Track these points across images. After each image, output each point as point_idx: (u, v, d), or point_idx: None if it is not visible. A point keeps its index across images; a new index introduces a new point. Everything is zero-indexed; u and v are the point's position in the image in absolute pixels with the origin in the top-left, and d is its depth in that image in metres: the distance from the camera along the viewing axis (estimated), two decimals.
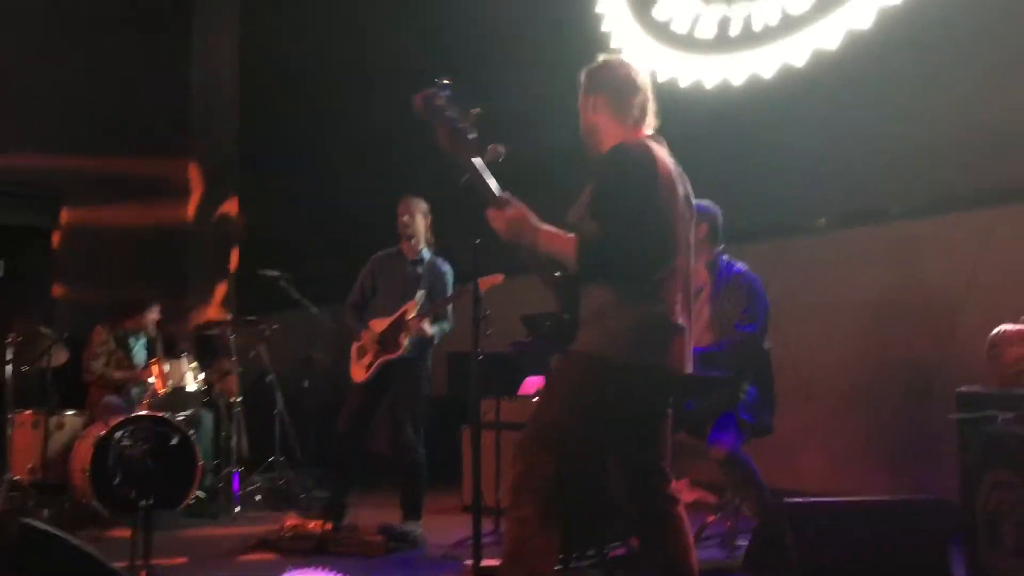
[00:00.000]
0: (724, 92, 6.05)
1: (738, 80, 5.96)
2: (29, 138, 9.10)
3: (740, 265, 4.54)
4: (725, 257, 4.57)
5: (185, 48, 10.69)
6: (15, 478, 5.80)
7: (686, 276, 2.88)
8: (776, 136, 5.74)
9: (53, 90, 9.27)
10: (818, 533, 3.56)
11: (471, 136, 2.89)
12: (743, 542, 4.23)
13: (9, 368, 5.90)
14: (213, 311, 9.91)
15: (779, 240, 5.73)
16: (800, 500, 3.70)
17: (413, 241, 5.38)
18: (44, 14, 9.34)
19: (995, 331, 3.31)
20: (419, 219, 5.38)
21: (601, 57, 3.09)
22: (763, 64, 5.84)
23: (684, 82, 6.21)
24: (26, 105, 9.07)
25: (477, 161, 2.90)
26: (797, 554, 3.52)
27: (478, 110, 2.91)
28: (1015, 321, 3.28)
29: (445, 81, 2.92)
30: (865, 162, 5.34)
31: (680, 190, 2.89)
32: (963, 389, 3.40)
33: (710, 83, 6.11)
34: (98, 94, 9.56)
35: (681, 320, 2.81)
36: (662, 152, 2.88)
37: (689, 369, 2.89)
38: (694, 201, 3.02)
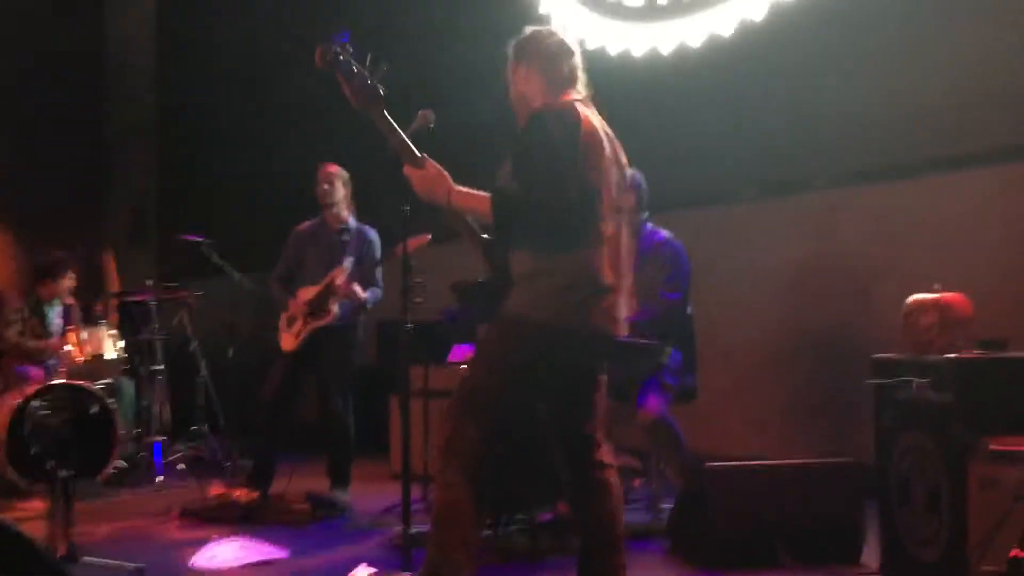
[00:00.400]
0: (652, 61, 6.08)
1: (666, 49, 6.00)
2: None
3: (663, 232, 4.61)
4: (649, 225, 4.63)
5: (100, 12, 10.32)
6: None
7: (616, 239, 2.89)
8: (702, 105, 5.80)
9: None
10: (738, 496, 3.67)
11: (380, 90, 2.85)
12: (667, 506, 4.33)
13: None
14: (134, 278, 9.67)
15: (703, 209, 5.81)
16: (721, 463, 3.80)
17: (335, 209, 5.32)
18: None
19: (909, 299, 3.42)
20: (339, 186, 5.32)
21: (529, 27, 3.07)
22: (691, 33, 5.88)
23: (613, 50, 6.22)
24: None
25: (388, 118, 2.87)
26: (718, 517, 3.63)
27: (386, 66, 2.87)
28: (928, 290, 3.39)
29: (345, 36, 2.87)
30: (789, 132, 5.44)
31: (609, 152, 2.89)
32: (879, 356, 3.51)
33: (638, 51, 6.14)
34: (12, 54, 9.19)
35: (607, 279, 2.82)
36: (589, 113, 2.89)
37: (620, 331, 2.91)
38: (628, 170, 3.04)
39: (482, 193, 2.83)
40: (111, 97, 10.37)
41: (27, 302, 6.27)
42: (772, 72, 5.52)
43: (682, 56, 5.94)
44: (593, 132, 2.84)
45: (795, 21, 5.45)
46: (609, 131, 2.94)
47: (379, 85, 2.86)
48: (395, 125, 2.88)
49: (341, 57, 2.83)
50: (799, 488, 3.70)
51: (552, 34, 3.04)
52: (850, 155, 5.25)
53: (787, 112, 5.46)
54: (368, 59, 2.87)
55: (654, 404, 4.28)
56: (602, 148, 2.85)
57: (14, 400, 5.38)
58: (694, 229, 5.29)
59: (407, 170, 2.88)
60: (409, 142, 2.89)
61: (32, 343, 6.15)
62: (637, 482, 4.79)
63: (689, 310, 4.63)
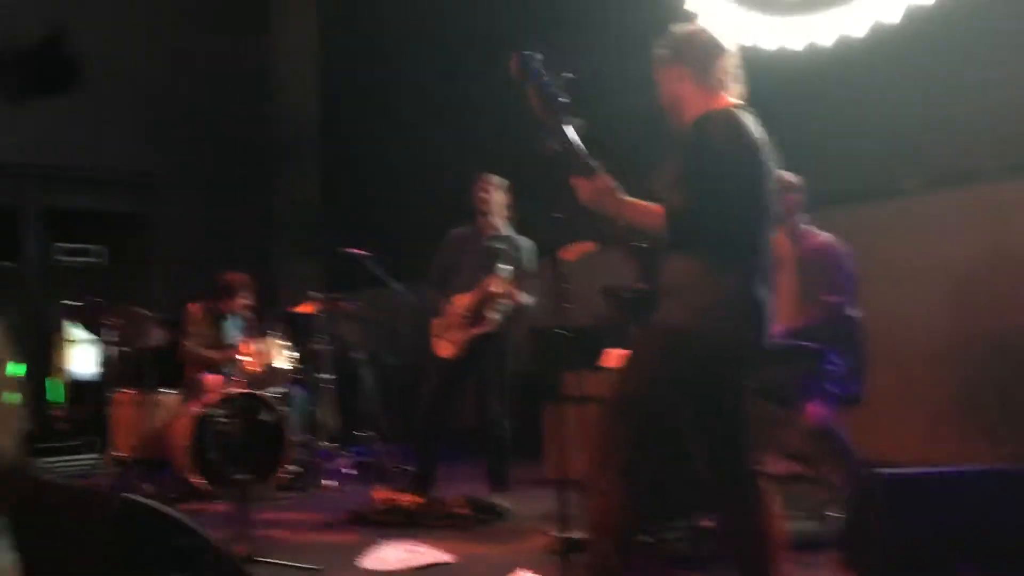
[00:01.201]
0: (812, 54, 5.87)
1: (827, 41, 5.78)
2: (125, 128, 9.41)
3: (824, 235, 4.46)
4: (808, 227, 4.49)
5: (265, 33, 10.89)
6: (118, 454, 6.04)
7: (769, 248, 2.83)
8: (861, 98, 5.57)
9: (145, 82, 9.56)
10: (911, 505, 3.48)
11: (563, 100, 2.86)
12: (833, 513, 4.16)
13: (111, 349, 6.12)
14: (301, 291, 10.14)
15: (865, 204, 5.57)
16: (892, 471, 3.61)
17: (490, 216, 5.41)
18: (131, 10, 9.63)
19: None
20: (496, 195, 5.41)
21: (680, 25, 3.02)
22: (853, 23, 5.64)
23: (766, 45, 6.05)
24: (121, 96, 9.37)
25: (568, 128, 2.88)
26: (889, 527, 3.45)
27: (570, 75, 2.88)
28: None
29: (535, 44, 2.89)
30: (956, 123, 5.15)
31: (767, 161, 2.83)
32: None
33: (795, 45, 5.94)
34: (185, 80, 9.82)
35: (763, 292, 2.76)
36: (749, 122, 2.82)
37: (770, 341, 2.84)
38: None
39: (651, 205, 2.81)
40: (277, 116, 10.91)
41: (207, 315, 6.65)
42: (941, 59, 5.24)
43: (843, 48, 5.71)
44: (755, 142, 2.78)
45: (967, 4, 5.16)
46: (764, 135, 2.86)
47: (564, 96, 2.88)
48: (574, 136, 2.88)
49: (535, 67, 2.86)
50: (979, 496, 3.48)
51: (704, 32, 2.98)
52: (1021, 144, 4.92)
53: (956, 101, 5.17)
54: (554, 68, 2.89)
55: (816, 411, 4.13)
56: (762, 158, 2.78)
57: (196, 409, 5.73)
58: (856, 227, 5.08)
59: (576, 180, 2.86)
60: (583, 155, 2.87)
61: (212, 353, 6.54)
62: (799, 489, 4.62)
63: (854, 313, 4.44)
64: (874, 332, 4.71)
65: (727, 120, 2.76)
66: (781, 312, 4.35)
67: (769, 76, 5.49)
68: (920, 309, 5.40)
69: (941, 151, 5.27)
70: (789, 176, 4.39)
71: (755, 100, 2.98)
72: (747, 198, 2.70)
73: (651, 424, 2.75)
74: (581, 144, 2.88)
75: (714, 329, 2.70)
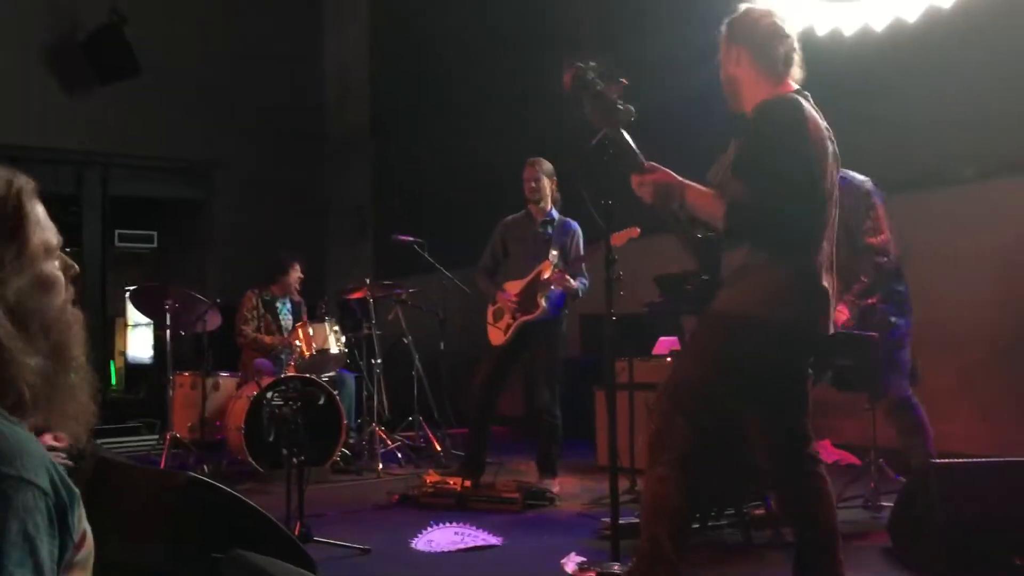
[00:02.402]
0: (864, 39, 5.79)
1: (880, 25, 5.69)
2: (180, 116, 9.59)
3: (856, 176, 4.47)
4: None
5: (320, 30, 11.01)
6: (176, 435, 6.18)
7: (832, 235, 2.81)
8: (915, 84, 5.48)
9: (202, 72, 9.73)
10: (967, 495, 3.45)
11: (620, 108, 2.87)
12: (887, 504, 4.14)
13: (168, 333, 6.26)
14: (353, 277, 10.27)
15: (921, 192, 5.49)
16: (948, 460, 3.58)
17: (541, 204, 5.43)
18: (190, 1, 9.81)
19: None
20: (545, 181, 5.42)
21: (743, 6, 2.98)
22: (907, 7, 5.55)
23: (821, 30, 5.98)
24: (179, 86, 9.55)
25: (625, 134, 2.88)
26: (944, 517, 3.42)
27: (625, 81, 2.88)
28: None
29: (591, 63, 2.90)
30: (1013, 111, 5.05)
31: (830, 148, 2.80)
32: None
33: (849, 30, 5.86)
34: (238, 71, 9.98)
35: (825, 280, 2.75)
36: (811, 109, 2.80)
37: (832, 329, 2.83)
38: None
39: (712, 191, 2.80)
40: (330, 108, 11.03)
41: (261, 300, 6.76)
42: (996, 44, 5.14)
43: (896, 32, 5.62)
44: (817, 129, 2.75)
45: None
46: (825, 123, 2.84)
47: (619, 103, 2.88)
48: (631, 142, 2.89)
49: (590, 77, 2.87)
50: None
51: (767, 14, 2.92)
52: None
53: (1006, 88, 5.06)
54: (608, 75, 2.90)
55: (898, 384, 4.13)
56: (825, 145, 2.76)
57: (252, 392, 5.84)
58: (912, 214, 5.01)
59: (636, 179, 2.86)
60: (638, 153, 2.88)
61: (267, 338, 6.65)
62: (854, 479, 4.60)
63: (893, 258, 4.46)
64: (928, 319, 4.66)
65: (787, 107, 2.74)
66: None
67: (822, 61, 5.45)
68: (974, 297, 5.32)
69: (998, 139, 5.17)
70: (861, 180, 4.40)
71: (811, 86, 2.95)
72: (808, 187, 2.68)
73: (709, 411, 2.75)
74: (634, 146, 2.88)
75: (776, 316, 2.68)
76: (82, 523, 1.12)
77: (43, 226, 1.22)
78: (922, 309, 4.53)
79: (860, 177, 4.46)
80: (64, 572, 1.08)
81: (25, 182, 1.22)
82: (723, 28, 2.93)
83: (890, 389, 4.15)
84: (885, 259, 4.34)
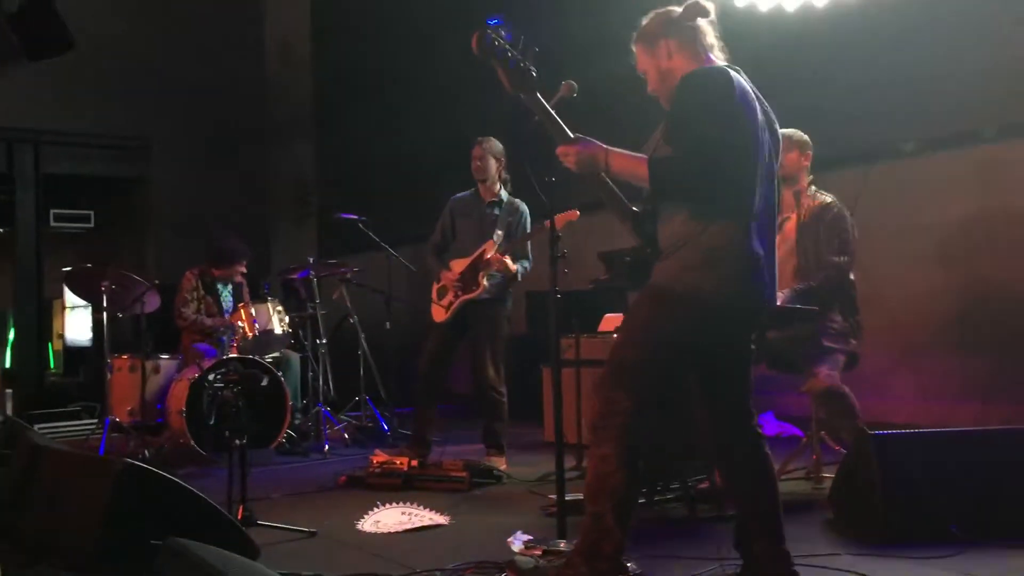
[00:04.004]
0: (806, 14, 5.82)
1: (822, 1, 5.73)
2: (116, 92, 9.33)
3: (828, 197, 4.48)
4: (812, 188, 4.50)
5: (260, 6, 10.79)
6: (116, 420, 6.06)
7: (770, 204, 2.81)
8: (860, 59, 5.53)
9: (140, 48, 9.47)
10: (906, 465, 3.51)
11: (533, 74, 2.85)
12: (828, 475, 4.21)
13: (107, 315, 6.11)
14: (296, 256, 10.14)
15: (863, 166, 5.56)
16: (887, 432, 3.64)
17: (488, 183, 5.41)
18: None
19: None
20: (491, 161, 5.39)
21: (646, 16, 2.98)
22: None
23: (764, 6, 6.00)
24: (116, 61, 9.28)
25: (542, 99, 2.88)
26: (883, 487, 3.48)
27: (536, 48, 2.87)
28: None
29: (498, 20, 2.87)
30: (955, 84, 5.13)
31: (761, 117, 2.80)
32: None
33: (791, 5, 5.89)
34: (176, 45, 9.74)
35: (760, 248, 2.74)
36: (741, 80, 2.80)
37: (772, 300, 2.84)
38: (781, 131, 2.94)
39: (639, 155, 2.80)
40: (272, 85, 10.82)
41: (201, 281, 6.63)
42: (937, 20, 5.20)
43: (838, 6, 5.66)
44: (746, 95, 2.75)
45: None
46: (759, 94, 2.84)
47: (532, 68, 2.86)
48: (548, 107, 2.89)
49: (496, 43, 2.84)
50: (972, 457, 3.51)
51: (670, 8, 2.94)
52: (1018, 105, 4.90)
53: (955, 61, 5.13)
54: (521, 42, 2.87)
55: (825, 372, 4.16)
56: (755, 112, 2.76)
57: (193, 374, 5.74)
58: (855, 188, 5.08)
59: (561, 149, 2.87)
60: (561, 122, 2.88)
61: (208, 320, 6.53)
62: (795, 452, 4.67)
63: (851, 275, 4.48)
64: (870, 294, 4.73)
65: (710, 74, 2.75)
66: (781, 270, 4.38)
67: (766, 38, 5.48)
68: (916, 270, 5.42)
69: (938, 112, 5.24)
70: (792, 134, 4.38)
71: (752, 61, 2.96)
72: (734, 150, 2.68)
73: (650, 387, 2.75)
74: (555, 114, 2.88)
75: (709, 286, 2.68)
76: None
77: None
78: (864, 284, 4.59)
79: (829, 197, 4.49)
80: None
81: None
82: (646, 26, 2.92)
83: (816, 375, 4.18)
84: (839, 276, 4.38)
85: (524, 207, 5.42)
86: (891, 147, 5.53)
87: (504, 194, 5.44)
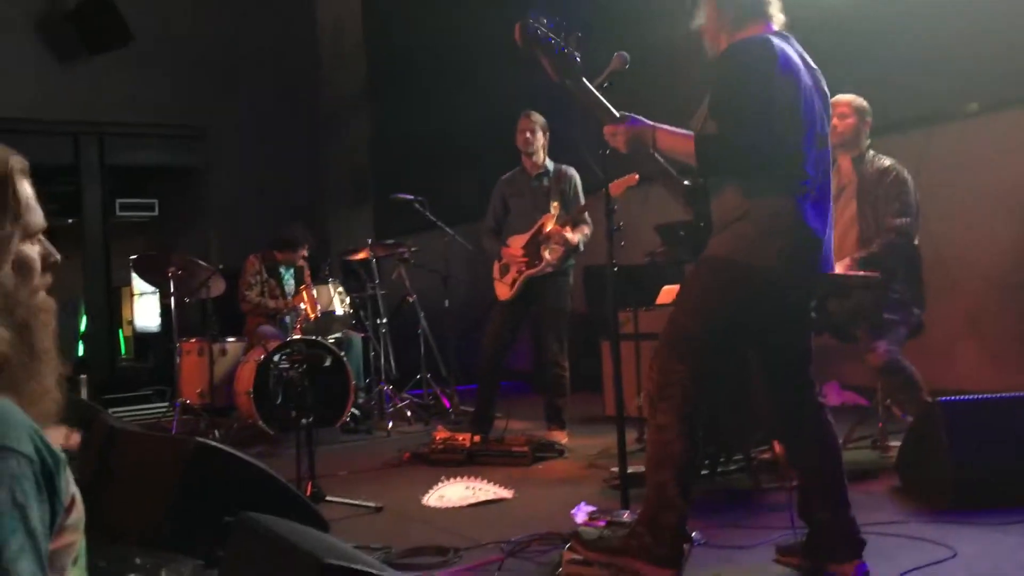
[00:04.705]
0: None
1: None
2: (174, 82, 9.51)
3: (888, 160, 4.37)
4: (871, 153, 4.41)
5: None
6: (186, 402, 6.22)
7: (822, 171, 2.77)
8: (923, 21, 5.39)
9: (195, 37, 9.63)
10: (974, 432, 3.45)
11: (577, 60, 2.85)
12: (895, 444, 4.15)
13: (173, 300, 6.27)
14: (354, 238, 10.25)
15: (926, 129, 5.43)
16: (955, 398, 3.58)
17: (534, 156, 5.42)
18: None
19: None
20: (539, 133, 5.42)
21: None
22: None
23: None
24: (172, 52, 9.46)
25: (588, 84, 2.87)
26: (952, 454, 3.43)
27: (579, 33, 2.87)
28: None
29: (538, 10, 2.88)
30: (1020, 43, 4.97)
31: (809, 83, 2.75)
32: None
33: None
34: (234, 37, 9.88)
35: (816, 217, 2.71)
36: (786, 46, 2.75)
37: (827, 268, 2.81)
38: (840, 97, 2.89)
39: (687, 132, 2.79)
40: (326, 70, 10.92)
41: (264, 265, 6.75)
42: None
43: None
44: (791, 66, 2.71)
45: None
46: (810, 61, 2.79)
47: (576, 54, 2.86)
48: (594, 90, 2.89)
49: (539, 32, 2.84)
50: None
51: None
52: None
53: (1013, 22, 4.97)
54: (563, 28, 2.87)
55: (883, 348, 4.08)
56: (799, 81, 2.71)
57: (258, 356, 5.86)
58: (917, 152, 4.97)
59: (608, 129, 2.87)
60: (607, 103, 2.88)
61: (271, 302, 6.65)
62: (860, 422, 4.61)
63: (916, 241, 4.38)
64: (934, 259, 4.63)
65: (754, 46, 2.70)
66: (843, 239, 4.30)
67: (827, 2, 5.37)
68: (981, 234, 5.29)
69: (1004, 73, 5.09)
70: (851, 99, 4.30)
71: (817, 27, 2.90)
72: (779, 122, 2.65)
73: (707, 358, 2.75)
74: (601, 96, 2.87)
75: (764, 258, 2.66)
76: (70, 487, 1.12)
77: (31, 208, 1.21)
78: (929, 249, 4.50)
79: (889, 161, 4.38)
80: (56, 536, 1.08)
81: (17, 161, 1.21)
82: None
83: (875, 348, 4.10)
84: (901, 240, 4.27)
85: (573, 171, 5.44)
86: (955, 109, 5.38)
87: (549, 163, 5.46)
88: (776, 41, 2.71)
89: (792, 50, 2.75)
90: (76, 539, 1.14)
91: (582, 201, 5.36)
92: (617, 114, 2.87)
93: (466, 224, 7.08)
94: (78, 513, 1.14)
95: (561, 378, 5.32)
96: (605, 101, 2.89)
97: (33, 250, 1.21)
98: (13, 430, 1.03)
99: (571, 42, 2.87)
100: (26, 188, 1.21)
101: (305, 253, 6.82)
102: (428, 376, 6.97)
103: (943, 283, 4.97)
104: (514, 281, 5.34)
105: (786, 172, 2.67)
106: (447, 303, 7.12)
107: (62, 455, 1.10)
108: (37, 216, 1.22)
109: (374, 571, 1.62)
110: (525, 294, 5.33)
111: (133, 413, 7.81)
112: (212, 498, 3.04)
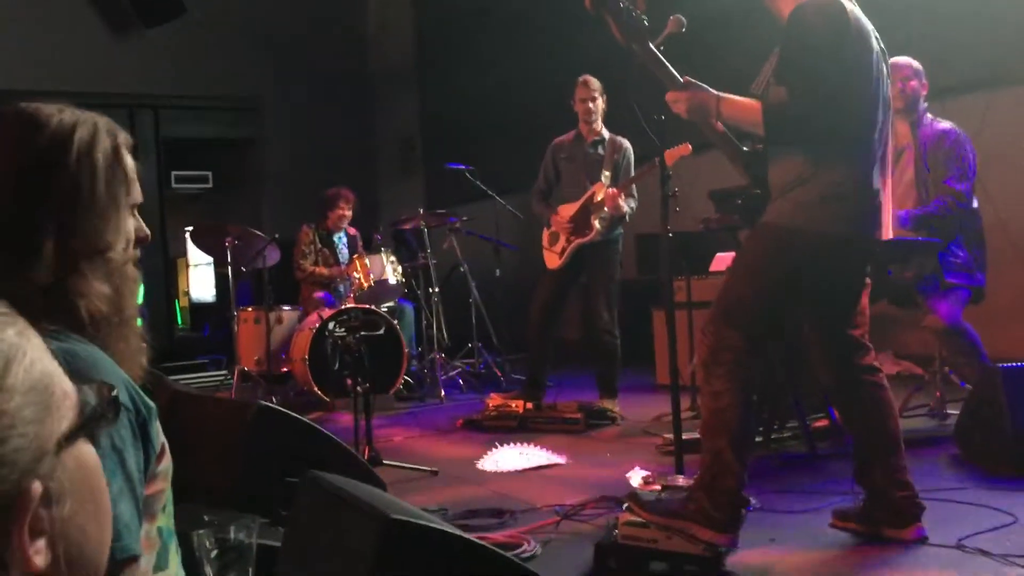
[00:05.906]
0: None
1: None
2: (226, 55, 9.61)
3: (946, 124, 4.29)
4: (929, 116, 4.32)
5: None
6: (244, 369, 6.34)
7: (884, 137, 2.74)
8: None
9: (244, 8, 9.71)
10: None
11: (645, 23, 2.82)
12: (953, 412, 4.10)
13: (230, 270, 6.38)
14: (406, 207, 10.31)
15: (987, 92, 5.30)
16: (1016, 364, 3.53)
17: (594, 124, 5.37)
18: None
19: None
20: (599, 101, 5.35)
21: None
22: None
23: None
24: (221, 24, 9.55)
25: (654, 49, 2.85)
26: (1012, 421, 3.39)
27: None
28: None
29: None
30: None
31: (875, 47, 2.71)
32: None
33: None
34: (284, 8, 9.94)
35: (878, 183, 2.68)
36: (852, 7, 2.71)
37: (887, 234, 2.78)
38: (890, 59, 2.84)
39: (750, 101, 2.76)
40: (374, 41, 10.95)
41: (318, 234, 6.84)
42: None
43: None
44: (859, 28, 2.66)
45: None
46: (868, 23, 2.74)
47: (644, 17, 2.84)
48: (660, 56, 2.86)
49: None
50: None
51: None
52: None
53: None
54: None
55: (945, 310, 4.03)
56: (868, 44, 2.67)
57: (314, 323, 5.95)
58: (976, 115, 4.86)
59: (671, 95, 2.84)
60: (671, 68, 2.85)
61: (326, 270, 6.74)
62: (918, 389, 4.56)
63: (975, 204, 4.29)
64: (999, 224, 4.54)
65: (821, 8, 2.66)
66: (902, 204, 4.24)
67: None
68: None
69: None
70: (909, 62, 4.22)
71: None
72: (849, 87, 2.61)
73: (762, 325, 2.74)
74: (668, 64, 2.84)
75: (825, 225, 2.64)
76: (160, 436, 1.16)
77: (134, 181, 1.26)
78: (989, 214, 4.41)
79: (947, 124, 4.29)
80: (149, 483, 1.13)
81: (125, 137, 1.25)
82: None
83: (936, 312, 4.04)
84: (958, 203, 4.19)
85: (627, 143, 5.39)
86: (1016, 73, 5.24)
87: (605, 132, 5.41)
88: (844, 4, 2.67)
89: (858, 10, 2.71)
90: (165, 487, 1.19)
91: (632, 174, 5.32)
92: (681, 80, 2.84)
93: (516, 194, 7.09)
94: (167, 462, 1.18)
95: (612, 346, 5.32)
96: (670, 67, 2.86)
97: (130, 222, 1.26)
98: (109, 378, 1.07)
99: (638, 5, 2.85)
100: (131, 161, 1.26)
101: (348, 212, 6.84)
102: (479, 344, 7.02)
103: (1004, 248, 4.88)
104: (563, 250, 5.33)
105: (853, 139, 2.64)
106: (498, 272, 7.15)
107: (153, 405, 1.15)
108: (138, 190, 1.27)
109: (439, 526, 1.66)
110: (574, 263, 5.32)
111: (191, 381, 7.97)
112: (274, 459, 3.11)
